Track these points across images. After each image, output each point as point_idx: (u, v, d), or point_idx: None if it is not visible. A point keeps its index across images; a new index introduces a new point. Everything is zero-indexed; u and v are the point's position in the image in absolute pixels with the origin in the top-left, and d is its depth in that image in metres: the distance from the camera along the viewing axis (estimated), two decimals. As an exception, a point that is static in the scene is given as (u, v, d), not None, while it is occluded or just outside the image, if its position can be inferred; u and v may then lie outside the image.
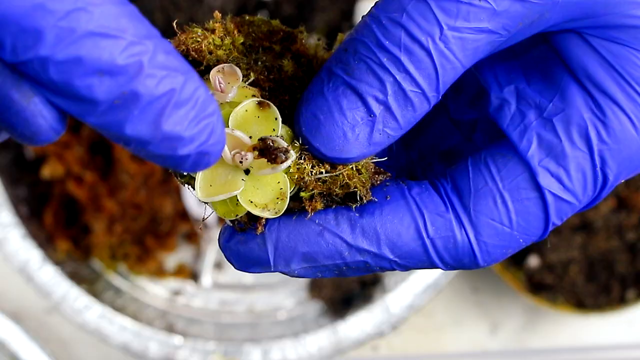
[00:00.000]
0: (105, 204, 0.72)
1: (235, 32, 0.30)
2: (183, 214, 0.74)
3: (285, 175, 0.27)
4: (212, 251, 0.79)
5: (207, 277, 0.78)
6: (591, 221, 0.76)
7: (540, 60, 0.30)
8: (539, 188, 0.29)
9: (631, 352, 0.77)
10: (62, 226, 0.74)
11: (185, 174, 0.28)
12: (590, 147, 0.28)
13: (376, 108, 0.27)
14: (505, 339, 0.80)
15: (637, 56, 0.28)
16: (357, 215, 0.29)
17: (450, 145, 0.35)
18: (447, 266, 0.30)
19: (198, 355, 0.70)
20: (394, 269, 0.30)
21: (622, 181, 0.30)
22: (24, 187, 0.74)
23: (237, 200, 0.27)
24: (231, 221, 0.29)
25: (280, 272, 0.30)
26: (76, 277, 0.72)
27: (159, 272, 0.77)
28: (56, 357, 0.72)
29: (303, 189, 0.28)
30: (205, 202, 0.28)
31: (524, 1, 0.27)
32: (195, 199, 0.75)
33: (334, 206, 0.29)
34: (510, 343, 0.80)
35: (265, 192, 0.27)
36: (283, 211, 0.27)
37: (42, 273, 0.69)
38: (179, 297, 0.78)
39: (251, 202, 0.27)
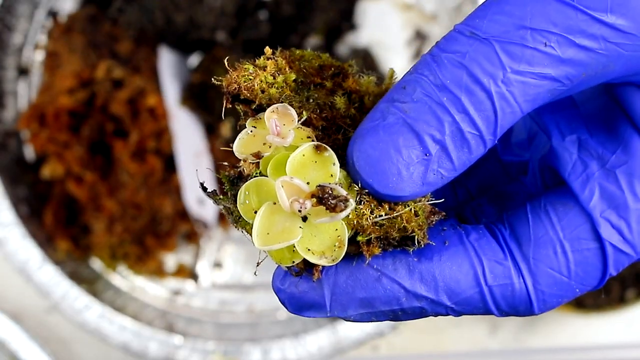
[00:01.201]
0: (105, 204, 0.72)
1: (287, 68, 0.30)
2: (183, 214, 0.74)
3: (343, 223, 0.27)
4: (212, 251, 0.79)
5: (207, 277, 0.79)
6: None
7: (602, 111, 0.30)
8: (599, 239, 0.28)
9: (631, 352, 0.77)
10: (62, 226, 0.74)
11: (240, 219, 0.28)
12: None
13: (432, 147, 0.26)
14: (505, 339, 0.80)
15: None
16: (415, 260, 0.28)
17: (499, 187, 0.35)
18: (502, 313, 0.29)
19: (198, 355, 0.70)
20: (448, 315, 0.30)
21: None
22: (24, 187, 0.74)
23: (294, 247, 0.27)
24: (287, 267, 0.28)
25: (337, 317, 0.29)
26: (76, 277, 0.72)
27: (159, 272, 0.77)
28: (56, 357, 0.72)
29: (360, 233, 0.27)
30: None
31: (590, 51, 0.26)
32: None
33: (390, 249, 0.28)
34: (509, 343, 0.80)
35: (322, 240, 0.27)
36: (340, 259, 0.27)
37: (42, 273, 0.69)
38: (178, 297, 0.78)
39: (308, 249, 0.27)
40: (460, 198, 0.36)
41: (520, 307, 0.29)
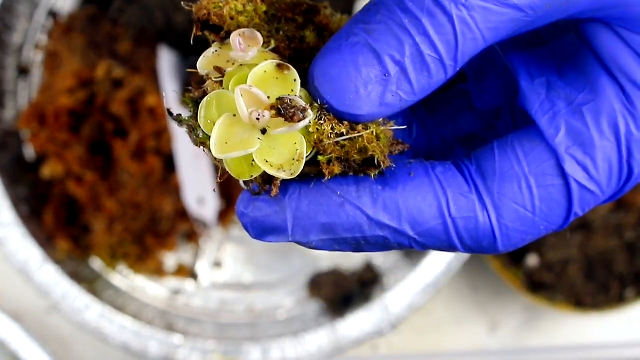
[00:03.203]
0: (105, 204, 0.72)
1: (259, 0, 0.30)
2: (183, 214, 0.74)
3: (303, 137, 0.27)
4: (212, 251, 0.79)
5: (207, 276, 0.79)
6: (590, 220, 0.76)
7: (571, 51, 0.30)
8: (564, 175, 0.28)
9: (630, 350, 0.77)
10: (62, 226, 0.74)
11: (200, 134, 0.28)
12: (619, 137, 0.28)
13: (392, 68, 0.26)
14: (505, 338, 0.80)
15: None
16: (379, 188, 0.28)
17: (471, 131, 0.35)
18: (466, 248, 0.29)
19: (198, 355, 0.70)
20: (411, 247, 0.29)
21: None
22: (24, 187, 0.74)
23: (253, 160, 0.27)
24: (245, 183, 0.28)
25: (297, 242, 0.29)
26: (76, 277, 0.72)
27: (159, 272, 0.77)
28: (56, 357, 0.72)
29: (321, 152, 0.28)
30: (219, 161, 0.28)
31: None
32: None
33: (351, 172, 0.28)
34: (509, 342, 0.80)
35: (281, 153, 0.27)
36: (299, 172, 0.27)
37: (42, 273, 0.69)
38: (178, 297, 0.78)
39: (267, 161, 0.27)
40: (435, 144, 0.36)
41: (483, 241, 0.29)
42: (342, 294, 0.76)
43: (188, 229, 0.77)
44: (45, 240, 0.72)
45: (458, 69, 0.27)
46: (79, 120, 0.72)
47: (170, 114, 0.30)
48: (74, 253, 0.74)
